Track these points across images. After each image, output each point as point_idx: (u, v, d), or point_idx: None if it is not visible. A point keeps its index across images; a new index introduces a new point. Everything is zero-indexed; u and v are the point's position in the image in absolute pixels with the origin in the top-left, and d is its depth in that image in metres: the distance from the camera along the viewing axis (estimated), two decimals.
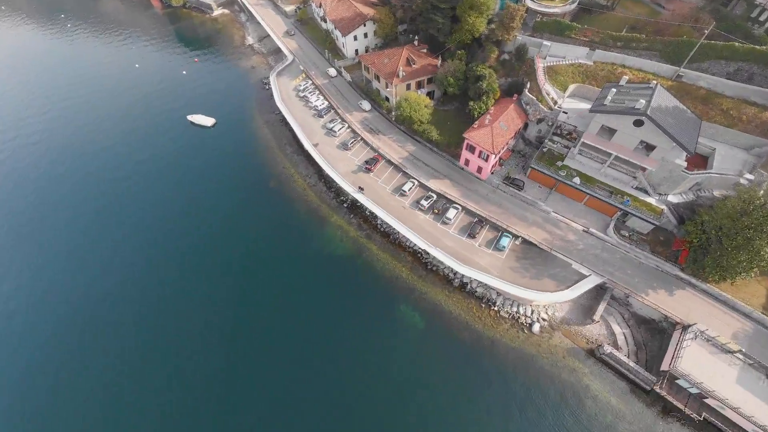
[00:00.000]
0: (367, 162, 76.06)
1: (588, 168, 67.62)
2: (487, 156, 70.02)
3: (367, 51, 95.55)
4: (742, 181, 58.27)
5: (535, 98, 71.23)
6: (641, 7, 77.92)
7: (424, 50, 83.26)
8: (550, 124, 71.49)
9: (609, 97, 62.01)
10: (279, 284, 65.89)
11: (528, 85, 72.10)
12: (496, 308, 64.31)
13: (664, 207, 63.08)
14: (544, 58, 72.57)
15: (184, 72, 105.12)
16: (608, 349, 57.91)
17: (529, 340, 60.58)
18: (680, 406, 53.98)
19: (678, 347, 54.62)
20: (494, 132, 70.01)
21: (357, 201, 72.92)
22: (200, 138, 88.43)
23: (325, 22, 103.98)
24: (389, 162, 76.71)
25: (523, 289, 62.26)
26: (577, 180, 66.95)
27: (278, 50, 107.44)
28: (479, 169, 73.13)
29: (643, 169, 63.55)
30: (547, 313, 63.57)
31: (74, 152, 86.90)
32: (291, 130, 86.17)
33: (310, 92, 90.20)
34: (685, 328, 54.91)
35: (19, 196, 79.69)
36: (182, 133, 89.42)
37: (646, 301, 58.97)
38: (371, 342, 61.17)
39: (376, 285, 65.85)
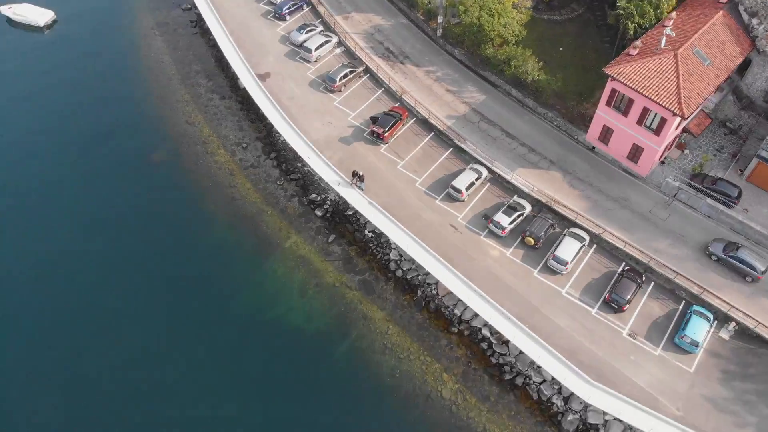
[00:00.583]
0: (375, 121, 47.25)
1: None
2: (661, 123, 40.94)
3: None
4: None
5: None
6: None
7: None
8: None
9: None
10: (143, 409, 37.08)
11: None
12: None
13: None
14: None
15: None
16: None
17: None
18: None
19: None
20: (682, 66, 40.59)
21: (347, 206, 44.50)
22: (21, 49, 60.28)
23: None
24: (424, 123, 48.19)
25: None
26: None
27: None
28: (635, 153, 44.15)
29: None
30: None
31: None
32: (214, 44, 57.38)
33: None
34: None
35: None
36: None
37: None
38: None
39: (378, 411, 37.30)
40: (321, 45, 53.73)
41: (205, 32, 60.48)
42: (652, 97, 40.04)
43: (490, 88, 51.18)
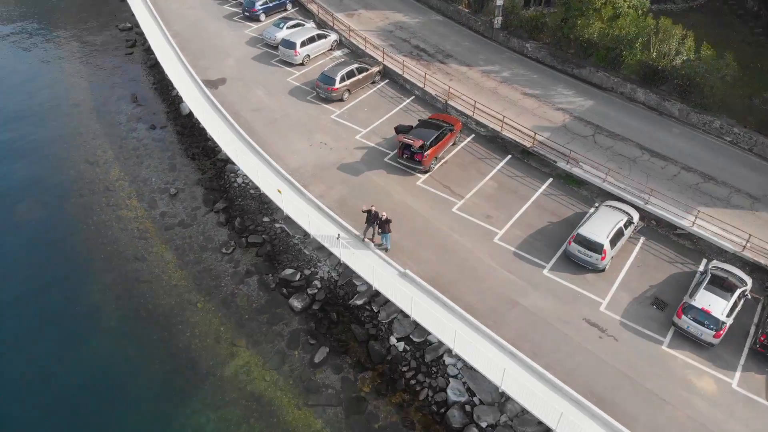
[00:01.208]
0: (407, 132, 25.55)
1: None
2: None
3: None
4: None
5: None
6: None
7: None
8: None
9: None
10: None
11: None
12: None
13: None
14: None
15: None
16: None
17: None
18: None
19: None
20: None
21: (354, 289, 21.60)
22: None
23: None
24: (491, 141, 27.22)
25: None
26: None
27: None
28: None
29: None
30: None
31: None
32: (155, 64, 36.87)
33: None
34: None
35: None
36: None
37: None
38: None
39: None
40: (311, 40, 34.09)
41: (147, 51, 42.69)
42: None
43: (595, 90, 30.36)
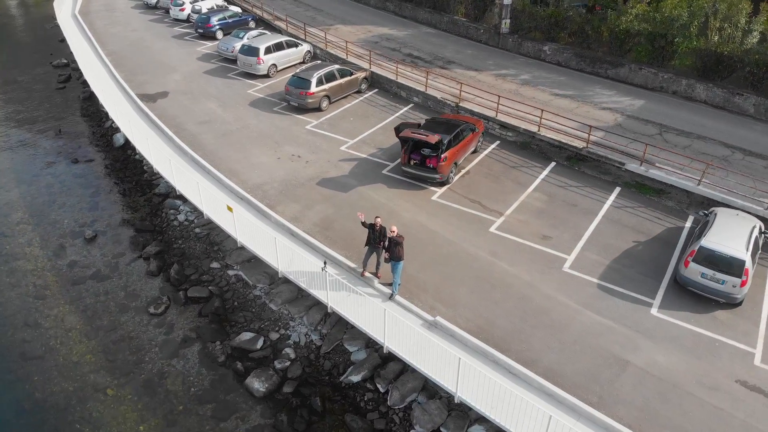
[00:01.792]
0: (413, 129, 17.81)
1: None
2: None
3: None
4: None
5: None
6: None
7: None
8: None
9: None
10: None
11: None
12: None
13: None
14: None
15: None
16: None
17: None
18: None
19: None
20: None
21: (344, 363, 13.83)
22: None
23: None
24: (522, 147, 20.22)
25: None
26: None
27: None
28: None
29: None
30: None
31: None
32: (90, 96, 28.91)
33: None
34: None
35: None
36: None
37: None
38: None
39: None
40: (278, 47, 27.39)
41: (83, 83, 35.81)
42: None
43: (641, 91, 23.77)
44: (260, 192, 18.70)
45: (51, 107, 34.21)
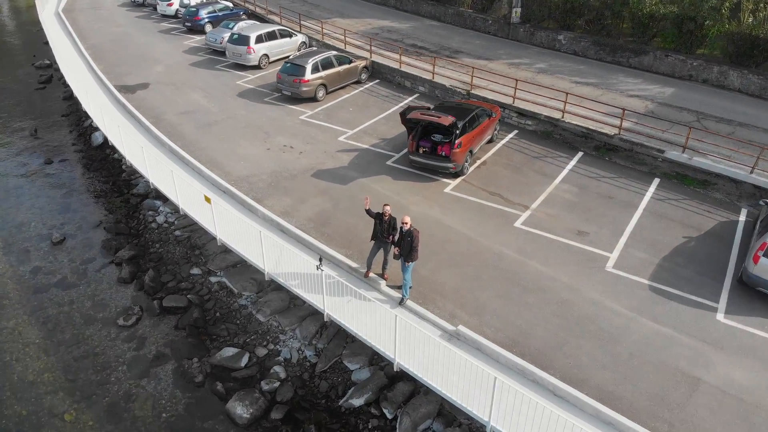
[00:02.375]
0: (424, 113, 15.69)
1: None
2: None
3: None
4: None
5: None
6: None
7: None
8: None
9: None
10: None
11: None
12: None
13: None
14: None
15: None
16: None
17: None
18: None
19: None
20: None
21: (346, 390, 11.61)
22: None
23: None
24: (544, 136, 18.31)
25: None
26: None
27: None
28: None
29: None
30: None
31: None
32: (71, 95, 25.99)
33: None
34: None
35: None
36: None
37: None
38: None
39: None
40: (270, 36, 25.41)
41: (64, 84, 33.77)
42: None
43: (668, 79, 21.73)
44: (246, 184, 16.47)
45: (28, 107, 32.15)
